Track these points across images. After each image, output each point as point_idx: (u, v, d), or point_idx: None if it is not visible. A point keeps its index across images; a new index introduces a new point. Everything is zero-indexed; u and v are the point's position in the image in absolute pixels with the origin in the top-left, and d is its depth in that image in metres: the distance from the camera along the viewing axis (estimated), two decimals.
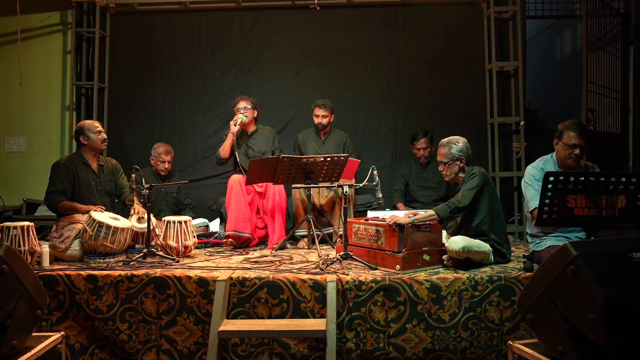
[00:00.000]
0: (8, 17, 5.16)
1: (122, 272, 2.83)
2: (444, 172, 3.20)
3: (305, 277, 2.74)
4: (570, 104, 5.86)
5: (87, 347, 2.83)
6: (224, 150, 4.17)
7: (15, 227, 2.99)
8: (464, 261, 2.92)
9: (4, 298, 1.78)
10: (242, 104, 4.22)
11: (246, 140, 4.30)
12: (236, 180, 3.96)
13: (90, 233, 3.18)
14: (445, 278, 2.71)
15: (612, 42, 5.15)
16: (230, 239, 3.84)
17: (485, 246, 2.98)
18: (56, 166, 3.57)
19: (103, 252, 3.22)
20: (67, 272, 2.84)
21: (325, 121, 4.42)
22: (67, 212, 3.50)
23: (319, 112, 4.41)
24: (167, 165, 4.43)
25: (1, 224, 3.04)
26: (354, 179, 4.08)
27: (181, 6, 5.17)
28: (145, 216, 3.40)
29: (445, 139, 3.20)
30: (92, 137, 3.63)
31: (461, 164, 3.14)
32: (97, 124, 3.70)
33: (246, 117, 4.16)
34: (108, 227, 3.20)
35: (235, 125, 4.10)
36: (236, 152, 4.21)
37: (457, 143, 3.14)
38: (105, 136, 3.70)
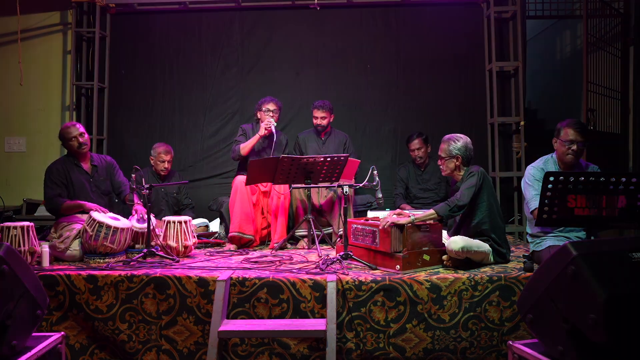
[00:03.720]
0: (8, 17, 5.16)
1: (122, 272, 2.83)
2: (441, 167, 3.24)
3: (305, 277, 2.74)
4: (570, 104, 5.86)
5: (87, 347, 2.83)
6: (246, 148, 4.12)
7: (15, 227, 3.00)
8: (463, 261, 2.92)
9: (4, 298, 1.78)
10: (272, 106, 4.17)
11: (262, 142, 4.24)
12: (241, 180, 3.94)
13: (90, 233, 3.18)
14: (445, 278, 2.71)
15: (612, 42, 5.15)
16: (232, 240, 3.85)
17: (485, 246, 2.98)
18: (48, 171, 3.55)
19: (103, 252, 3.22)
20: (67, 272, 2.84)
21: (324, 122, 4.41)
22: (72, 211, 3.47)
23: (318, 113, 4.40)
24: (166, 165, 4.42)
25: (1, 224, 3.04)
26: (354, 179, 4.08)
27: (181, 6, 5.17)
28: (145, 216, 3.40)
29: (448, 135, 3.22)
30: (67, 144, 3.58)
31: (457, 162, 3.15)
32: (72, 129, 3.55)
33: (276, 122, 4.13)
34: (108, 227, 3.20)
35: (266, 129, 4.05)
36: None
37: (456, 141, 3.15)
38: (82, 140, 3.55)
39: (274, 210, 3.94)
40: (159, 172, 4.44)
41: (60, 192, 3.51)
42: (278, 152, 4.25)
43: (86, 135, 3.62)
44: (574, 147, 2.87)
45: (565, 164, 2.93)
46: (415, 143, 4.52)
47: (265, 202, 4.08)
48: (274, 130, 4.06)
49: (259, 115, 4.24)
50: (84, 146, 3.58)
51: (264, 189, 4.07)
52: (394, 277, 2.72)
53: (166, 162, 4.41)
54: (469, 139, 3.20)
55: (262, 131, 4.08)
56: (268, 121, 4.07)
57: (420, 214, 3.02)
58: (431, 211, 3.00)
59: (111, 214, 3.44)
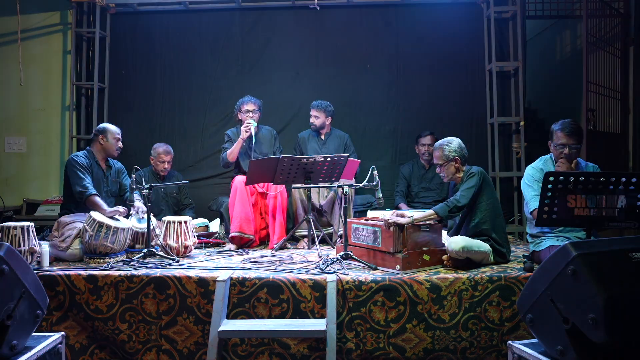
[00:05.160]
0: (8, 17, 5.16)
1: (122, 272, 2.83)
2: (441, 174, 3.24)
3: (305, 277, 2.74)
4: (570, 104, 5.85)
5: (87, 347, 2.83)
6: (232, 154, 4.13)
7: (15, 227, 2.99)
8: (464, 261, 2.92)
9: (4, 298, 1.78)
10: (250, 107, 4.17)
11: (248, 141, 4.26)
12: (241, 181, 3.94)
13: (91, 233, 3.18)
14: (445, 278, 2.71)
15: (612, 42, 5.14)
16: (233, 240, 3.85)
17: (485, 246, 2.98)
18: (75, 161, 3.52)
19: (103, 252, 3.22)
20: (67, 272, 2.84)
21: (317, 122, 4.41)
22: (94, 207, 3.42)
23: (312, 112, 4.44)
24: (166, 166, 4.43)
25: (1, 224, 3.04)
26: (354, 179, 4.08)
27: (181, 6, 5.17)
28: (145, 216, 3.40)
29: (439, 142, 3.23)
30: (111, 141, 3.66)
31: (456, 164, 3.15)
32: (119, 131, 3.74)
33: (256, 122, 4.13)
34: (108, 227, 3.20)
35: (246, 132, 4.05)
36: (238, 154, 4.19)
37: (450, 144, 3.16)
38: (121, 145, 3.74)
39: (271, 211, 3.94)
40: (159, 172, 4.44)
41: (89, 182, 3.50)
42: (263, 147, 4.25)
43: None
44: (566, 150, 2.87)
45: (559, 167, 2.92)
46: (428, 139, 4.56)
47: (263, 203, 4.08)
48: (253, 132, 4.06)
49: (239, 117, 4.25)
50: (118, 150, 3.72)
51: (261, 190, 4.06)
52: (394, 277, 2.72)
53: (166, 163, 4.41)
54: (459, 139, 3.21)
55: (243, 134, 4.08)
56: (247, 123, 4.07)
57: (419, 214, 3.02)
58: (430, 211, 3.00)
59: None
